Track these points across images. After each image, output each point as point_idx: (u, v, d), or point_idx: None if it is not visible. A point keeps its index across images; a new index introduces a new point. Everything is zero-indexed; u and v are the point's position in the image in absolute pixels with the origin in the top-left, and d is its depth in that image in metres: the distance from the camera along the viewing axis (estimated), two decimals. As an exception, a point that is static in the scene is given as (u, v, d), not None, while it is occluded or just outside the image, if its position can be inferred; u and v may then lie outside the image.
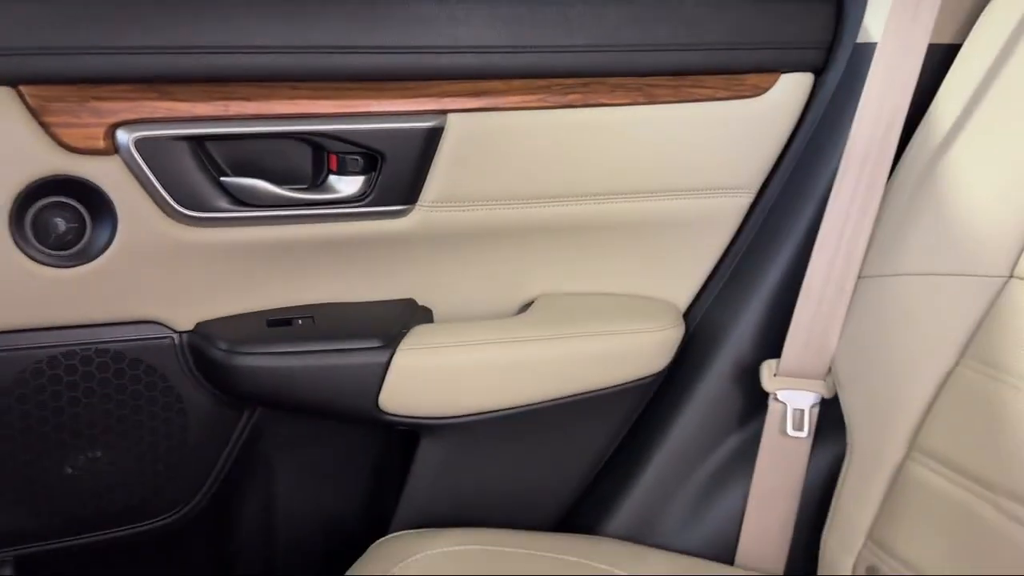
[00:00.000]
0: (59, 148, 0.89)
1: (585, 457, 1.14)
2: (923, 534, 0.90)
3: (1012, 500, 0.82)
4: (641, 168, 1.09)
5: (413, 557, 0.93)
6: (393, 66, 0.97)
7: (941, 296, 0.94)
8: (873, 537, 0.95)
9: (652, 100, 1.07)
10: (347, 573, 0.94)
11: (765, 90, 1.10)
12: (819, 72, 1.11)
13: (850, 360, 1.02)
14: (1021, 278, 0.89)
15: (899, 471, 0.94)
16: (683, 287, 1.17)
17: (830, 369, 1.05)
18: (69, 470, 0.99)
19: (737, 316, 1.13)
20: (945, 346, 0.92)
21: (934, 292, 0.95)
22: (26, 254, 0.91)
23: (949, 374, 0.91)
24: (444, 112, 0.99)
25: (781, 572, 1.08)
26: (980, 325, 0.90)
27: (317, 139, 0.97)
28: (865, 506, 0.96)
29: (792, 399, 1.06)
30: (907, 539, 0.91)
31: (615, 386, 1.10)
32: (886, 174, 1.02)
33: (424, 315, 1.08)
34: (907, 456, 0.94)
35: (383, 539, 0.99)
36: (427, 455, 1.06)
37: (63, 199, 0.92)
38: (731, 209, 1.15)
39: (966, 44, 1.03)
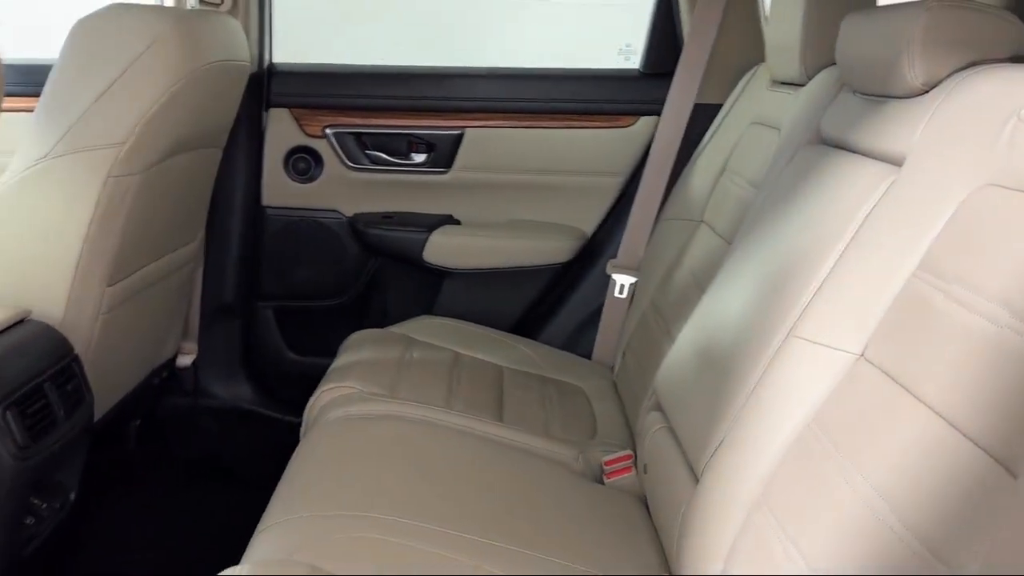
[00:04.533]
0: (304, 134, 2.05)
1: (527, 297, 2.14)
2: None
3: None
4: (568, 158, 2.07)
5: (425, 320, 1.99)
6: (442, 106, 2.04)
7: (680, 231, 1.83)
8: (626, 340, 1.87)
9: (571, 126, 2.05)
10: (402, 324, 2.00)
11: (631, 125, 2.05)
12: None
13: (645, 260, 1.95)
14: (704, 222, 1.77)
15: (641, 307, 1.85)
16: (589, 222, 2.13)
17: (640, 267, 1.97)
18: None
19: (608, 239, 2.08)
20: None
21: (679, 230, 1.85)
22: (289, 177, 2.08)
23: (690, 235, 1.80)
24: (464, 127, 2.04)
25: (614, 363, 2.01)
26: (685, 248, 1.79)
27: (406, 136, 2.06)
28: (627, 324, 1.89)
29: (619, 279, 2.00)
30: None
31: (542, 265, 2.10)
32: (670, 168, 1.93)
33: (453, 221, 2.13)
34: (650, 303, 1.84)
35: (422, 316, 2.05)
36: (448, 286, 2.13)
37: (303, 155, 2.07)
38: (614, 183, 2.10)
39: (725, 104, 1.90)
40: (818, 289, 1.02)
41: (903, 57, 1.00)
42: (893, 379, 0.84)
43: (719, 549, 0.99)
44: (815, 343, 0.98)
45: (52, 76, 1.37)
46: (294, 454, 1.35)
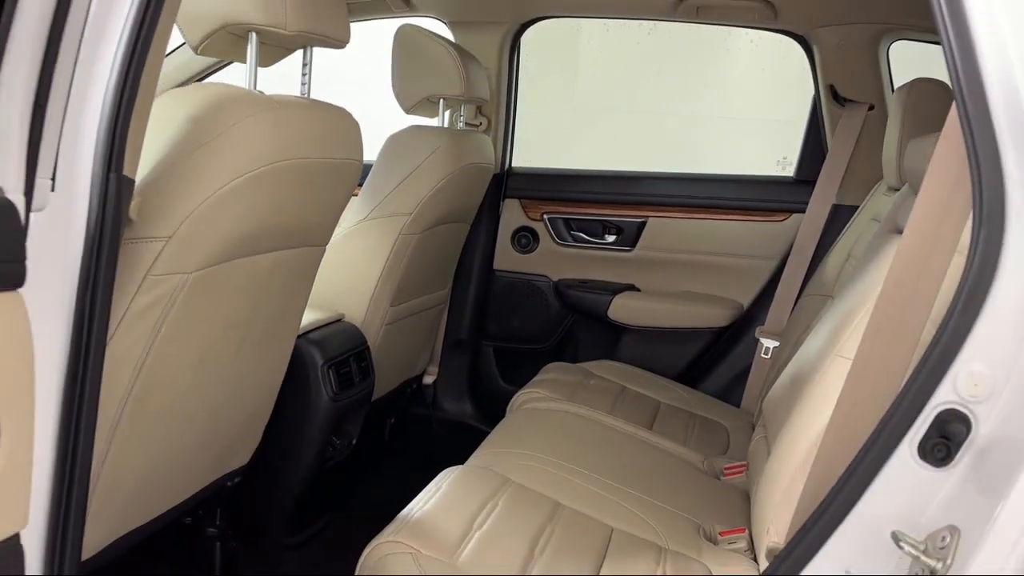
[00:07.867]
0: (527, 217, 2.69)
1: (689, 353, 2.57)
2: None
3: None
4: (731, 244, 2.53)
5: (605, 363, 2.49)
6: (630, 199, 2.59)
7: (815, 304, 2.23)
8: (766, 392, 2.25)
9: (735, 219, 2.52)
10: (587, 364, 2.51)
11: (784, 220, 2.47)
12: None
13: (787, 327, 2.33)
14: (832, 297, 2.15)
15: (779, 365, 2.23)
16: (745, 296, 2.55)
17: (782, 333, 2.36)
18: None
19: (760, 310, 2.49)
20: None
21: (814, 304, 2.24)
22: (514, 249, 2.71)
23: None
24: (648, 217, 2.57)
25: (755, 411, 2.38)
26: (815, 317, 2.17)
27: (601, 222, 2.62)
28: (768, 379, 2.27)
29: (766, 343, 2.39)
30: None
31: (704, 327, 2.54)
32: (811, 255, 2.32)
33: (635, 289, 2.64)
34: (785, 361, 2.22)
35: (603, 360, 2.55)
36: (625, 339, 2.62)
37: (525, 233, 2.70)
38: (769, 266, 2.51)
39: (859, 206, 2.28)
40: (856, 324, 1.42)
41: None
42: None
43: (768, 515, 1.39)
44: (845, 358, 1.38)
45: (373, 170, 2.10)
46: (497, 426, 1.91)
